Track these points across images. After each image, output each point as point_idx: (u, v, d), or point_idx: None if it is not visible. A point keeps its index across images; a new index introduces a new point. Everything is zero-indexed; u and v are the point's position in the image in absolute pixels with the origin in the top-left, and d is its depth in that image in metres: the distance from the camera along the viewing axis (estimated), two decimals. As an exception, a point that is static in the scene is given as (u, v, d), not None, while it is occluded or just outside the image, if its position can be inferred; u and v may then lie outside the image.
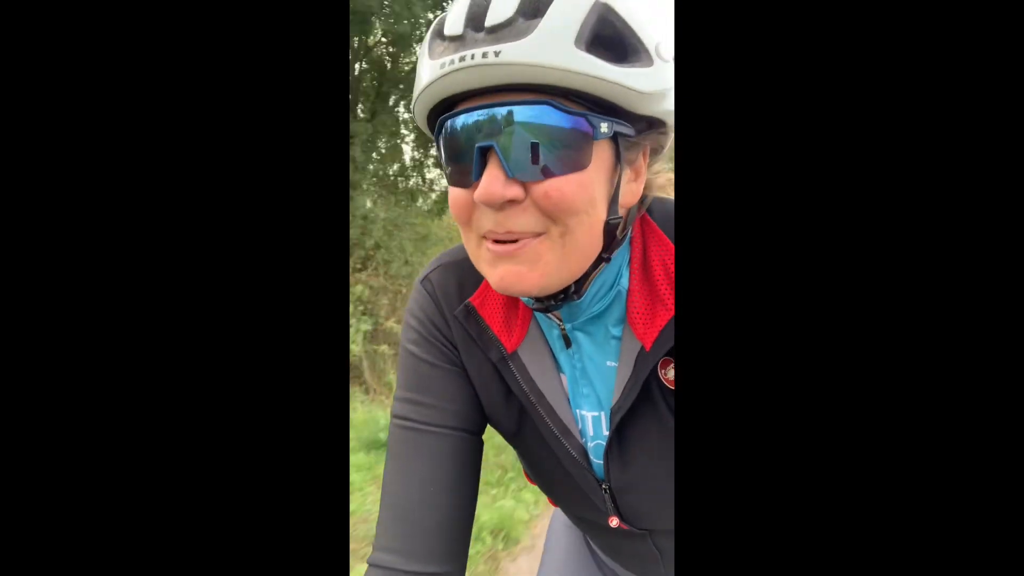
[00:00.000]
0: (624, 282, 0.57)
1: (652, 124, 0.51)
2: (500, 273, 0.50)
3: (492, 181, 0.46)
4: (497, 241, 0.49)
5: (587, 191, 0.48)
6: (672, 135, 0.54)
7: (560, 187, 0.47)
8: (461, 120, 0.47)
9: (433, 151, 6.42)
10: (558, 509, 0.98)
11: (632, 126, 0.49)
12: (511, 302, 0.62)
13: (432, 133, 0.54)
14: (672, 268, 0.54)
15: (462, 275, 0.65)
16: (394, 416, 0.63)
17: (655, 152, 0.55)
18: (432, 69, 0.46)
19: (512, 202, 0.47)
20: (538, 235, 0.48)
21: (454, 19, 0.47)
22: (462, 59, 0.44)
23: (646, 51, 0.48)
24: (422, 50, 0.50)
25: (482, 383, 0.64)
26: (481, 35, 0.45)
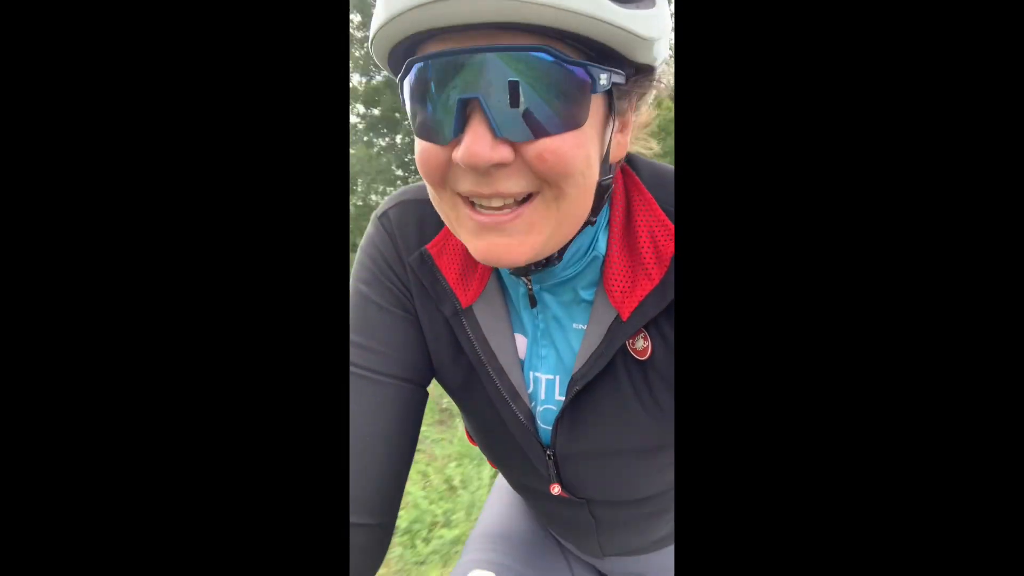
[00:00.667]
0: (601, 246, 0.53)
1: (640, 70, 0.45)
2: (486, 245, 0.44)
3: (477, 141, 0.39)
4: (480, 207, 0.43)
5: (584, 150, 0.42)
6: (659, 82, 0.49)
7: (556, 148, 0.40)
8: (437, 64, 0.39)
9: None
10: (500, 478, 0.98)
11: (623, 73, 0.43)
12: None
13: (392, 71, 0.45)
14: (661, 240, 0.50)
15: (423, 215, 0.58)
16: None
17: (640, 100, 0.50)
18: None
19: (500, 164, 0.40)
20: (528, 196, 0.43)
21: None
22: None
23: None
24: None
25: (433, 335, 0.60)
26: None
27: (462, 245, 0.56)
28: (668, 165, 0.56)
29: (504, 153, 0.40)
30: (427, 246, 0.56)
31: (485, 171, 0.41)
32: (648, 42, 0.41)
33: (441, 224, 0.57)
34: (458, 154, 0.40)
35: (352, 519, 0.53)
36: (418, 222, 0.59)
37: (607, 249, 0.53)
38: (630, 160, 0.55)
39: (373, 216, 0.61)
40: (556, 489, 0.63)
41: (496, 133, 0.39)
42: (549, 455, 0.60)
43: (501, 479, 0.97)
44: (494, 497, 0.94)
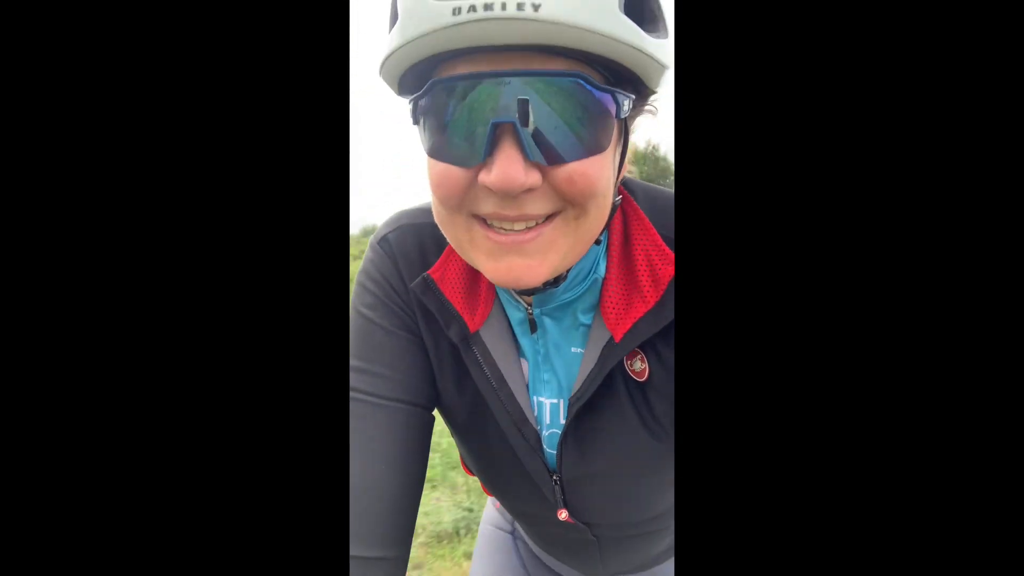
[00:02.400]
0: (601, 269, 0.53)
1: (640, 96, 0.46)
2: (505, 266, 0.43)
3: (511, 165, 0.39)
4: (498, 227, 0.43)
5: (607, 172, 0.43)
6: (652, 107, 0.50)
7: (585, 171, 0.41)
8: (468, 86, 0.39)
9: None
10: (488, 509, 0.97)
11: (634, 99, 0.44)
12: (473, 275, 0.56)
13: (400, 90, 0.45)
14: (658, 264, 0.51)
15: (423, 239, 0.58)
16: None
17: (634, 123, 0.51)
18: (436, 14, 0.36)
19: (529, 189, 0.40)
20: (549, 217, 0.43)
21: None
22: (487, 7, 0.35)
23: (663, 20, 0.43)
24: None
25: (437, 361, 0.59)
26: None
27: (464, 269, 0.56)
28: (661, 187, 0.57)
29: (535, 178, 0.40)
30: (429, 271, 0.56)
31: (513, 196, 0.40)
32: (663, 69, 0.43)
33: (441, 248, 0.57)
34: (490, 178, 0.40)
35: (365, 553, 0.52)
36: (418, 246, 0.59)
37: (606, 272, 0.53)
38: (625, 183, 0.56)
39: (371, 241, 0.61)
40: (563, 515, 0.62)
41: (528, 157, 0.39)
42: (556, 480, 0.60)
43: (483, 535, 0.95)
44: (478, 561, 0.93)
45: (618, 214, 0.54)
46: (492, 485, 0.69)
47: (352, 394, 0.55)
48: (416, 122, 0.43)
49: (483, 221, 0.43)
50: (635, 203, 0.54)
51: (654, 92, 0.46)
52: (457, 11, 0.36)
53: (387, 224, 0.61)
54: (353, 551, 0.51)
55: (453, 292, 0.55)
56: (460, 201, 0.43)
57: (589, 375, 0.53)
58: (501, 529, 0.93)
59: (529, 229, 0.43)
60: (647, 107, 0.48)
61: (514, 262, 0.43)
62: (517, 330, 0.58)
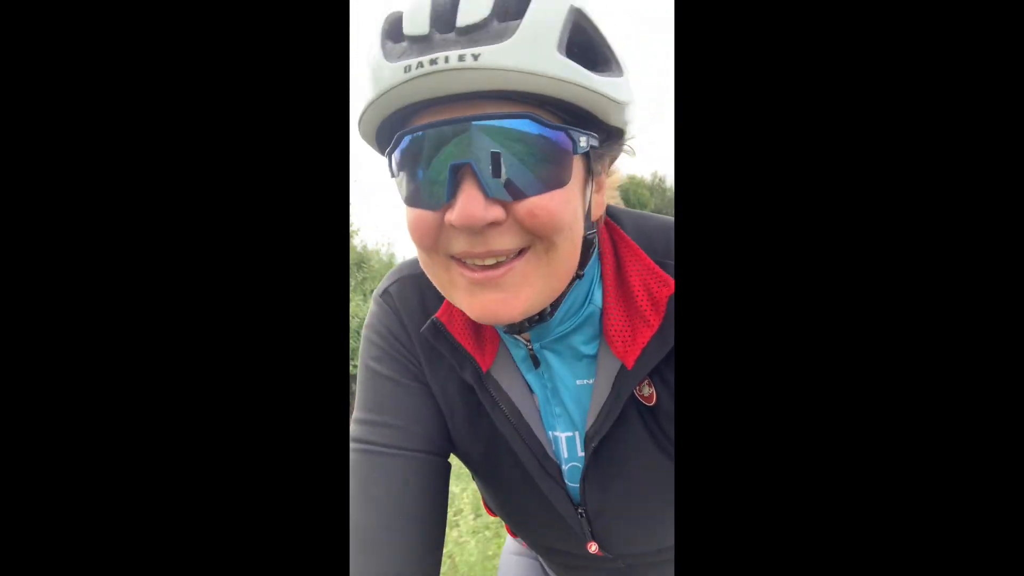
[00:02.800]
0: (597, 299, 0.54)
1: (611, 135, 0.49)
2: (481, 303, 0.46)
3: (471, 202, 0.42)
4: (473, 264, 0.45)
5: (570, 207, 0.45)
6: (627, 145, 0.52)
7: (545, 205, 0.43)
8: (427, 135, 0.42)
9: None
10: (509, 543, 0.95)
11: (598, 137, 0.47)
12: None
13: (379, 147, 0.49)
14: (654, 287, 0.52)
15: (423, 289, 0.60)
16: (354, 440, 0.57)
17: (611, 162, 0.53)
18: (392, 73, 0.41)
19: (492, 223, 0.43)
20: (521, 252, 0.45)
21: (415, 18, 0.41)
22: (432, 62, 0.39)
23: (616, 60, 0.46)
24: (370, 53, 0.44)
25: (448, 404, 0.59)
26: (451, 36, 0.40)
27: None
28: (648, 213, 0.59)
29: (496, 212, 0.42)
30: (436, 315, 0.57)
31: (479, 231, 0.43)
32: (620, 105, 0.45)
33: (441, 295, 0.58)
34: (452, 216, 0.42)
35: None
36: (419, 296, 0.60)
37: (604, 302, 0.54)
38: (611, 214, 0.58)
39: (374, 295, 0.63)
40: (593, 547, 0.61)
41: (487, 194, 0.42)
42: (581, 512, 0.59)
43: (505, 564, 0.93)
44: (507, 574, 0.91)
45: (607, 244, 0.56)
46: (517, 525, 0.69)
47: (365, 447, 0.56)
48: (394, 175, 0.47)
49: (459, 261, 0.46)
50: (622, 231, 0.56)
51: (622, 129, 0.48)
52: (408, 68, 0.40)
53: (388, 277, 0.64)
54: None
55: (462, 334, 0.56)
56: (434, 243, 0.46)
57: (604, 406, 0.53)
58: (525, 556, 0.91)
59: (500, 264, 0.45)
60: (623, 146, 0.51)
61: (488, 297, 0.45)
62: (521, 367, 0.58)
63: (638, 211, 0.59)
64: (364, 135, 0.48)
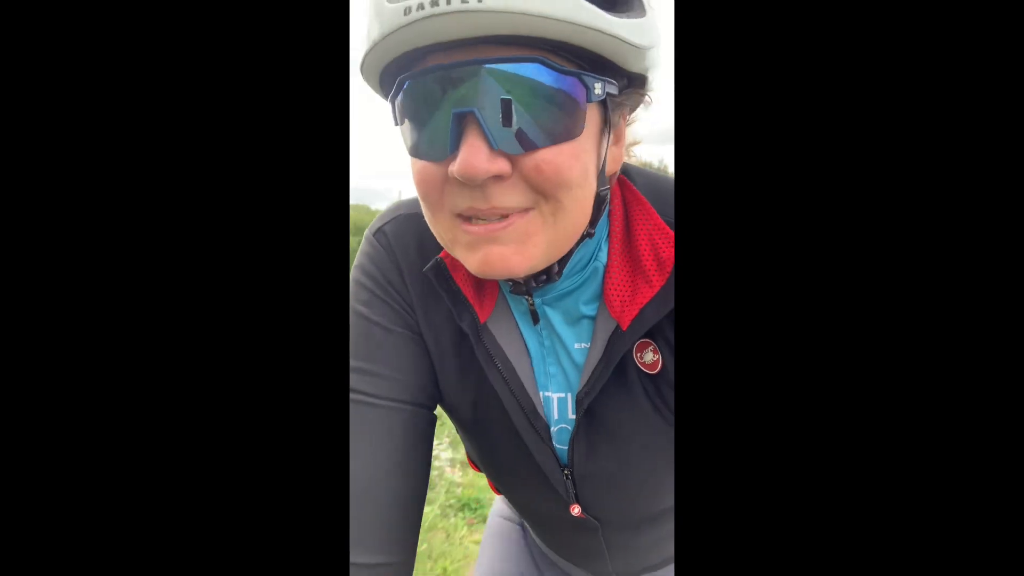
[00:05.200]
0: (603, 256, 0.52)
1: (632, 82, 0.45)
2: (481, 256, 0.43)
3: (474, 154, 0.39)
4: (477, 220, 0.43)
5: (580, 162, 0.42)
6: (650, 93, 0.49)
7: (553, 159, 0.41)
8: (431, 80, 0.39)
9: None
10: (497, 503, 0.95)
11: (617, 84, 0.43)
12: None
13: (383, 92, 0.46)
14: (662, 247, 0.49)
15: (421, 230, 0.57)
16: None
17: (632, 112, 0.50)
18: (392, 16, 0.38)
19: (497, 177, 0.40)
20: (526, 211, 0.43)
21: None
22: (433, 3, 0.36)
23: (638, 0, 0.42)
24: None
25: (440, 353, 0.57)
26: None
27: None
28: (663, 174, 0.56)
29: (501, 165, 0.40)
30: (441, 255, 0.54)
31: (482, 184, 0.40)
32: (640, 51, 0.42)
33: None
34: (454, 167, 0.40)
35: (367, 559, 0.50)
36: (417, 237, 0.57)
37: (608, 259, 0.52)
38: (626, 171, 0.55)
39: (367, 233, 0.60)
40: (576, 510, 0.60)
41: (493, 145, 0.39)
42: (567, 474, 0.58)
43: (492, 526, 0.94)
44: (486, 551, 0.91)
45: (618, 201, 0.53)
46: (501, 482, 0.68)
47: (352, 395, 0.54)
48: (398, 123, 0.44)
49: (464, 219, 0.43)
50: (635, 189, 0.53)
51: (644, 77, 0.45)
52: (408, 11, 0.37)
53: (384, 214, 0.60)
54: (354, 558, 0.50)
55: (464, 281, 0.54)
56: (439, 198, 0.43)
57: (596, 368, 0.52)
58: (510, 520, 0.91)
59: (503, 219, 0.42)
60: (643, 95, 0.47)
61: (491, 250, 0.43)
62: (520, 321, 0.56)
63: (650, 170, 0.56)
64: (368, 79, 0.45)
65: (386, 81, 0.44)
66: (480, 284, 0.55)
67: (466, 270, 0.53)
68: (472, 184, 0.40)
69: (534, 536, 0.85)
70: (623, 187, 0.54)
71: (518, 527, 0.90)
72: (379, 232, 0.59)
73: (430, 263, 0.54)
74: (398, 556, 0.53)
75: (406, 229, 0.58)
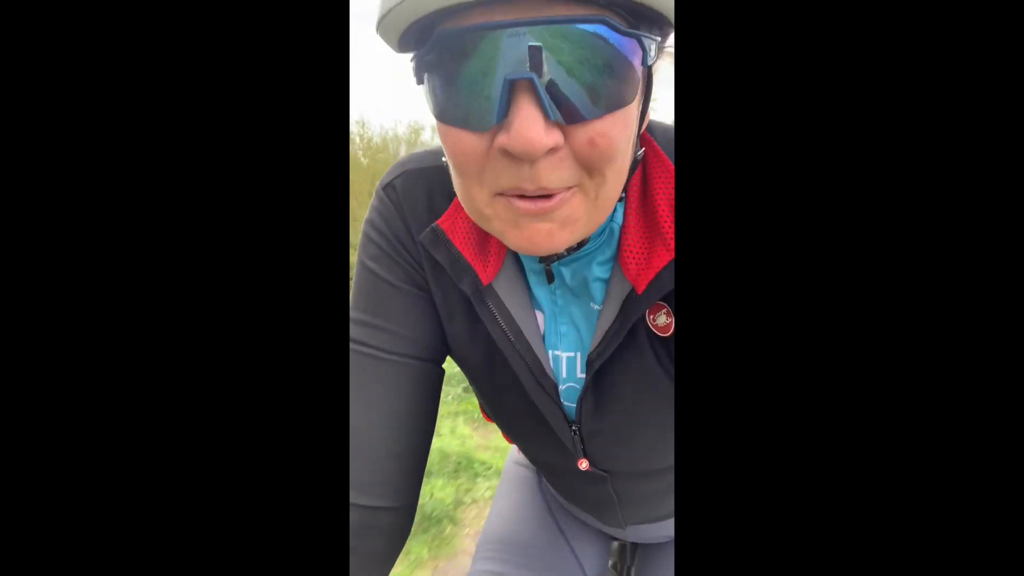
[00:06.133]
0: (618, 217, 0.50)
1: (665, 31, 0.41)
2: (528, 234, 0.40)
3: (531, 125, 0.34)
4: (524, 197, 0.39)
5: (629, 130, 0.39)
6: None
7: (607, 132, 0.37)
8: (478, 39, 0.34)
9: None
10: (512, 452, 0.98)
11: (659, 41, 0.39)
12: None
13: (404, 47, 0.40)
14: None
15: (431, 186, 0.54)
16: (351, 339, 0.55)
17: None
18: None
19: (550, 152, 0.36)
20: (569, 188, 0.39)
21: None
22: None
23: None
24: None
25: (448, 312, 0.57)
26: None
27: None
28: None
29: (557, 137, 0.36)
30: (438, 221, 0.52)
31: (533, 160, 0.37)
32: None
33: (451, 195, 0.53)
34: (506, 140, 0.35)
35: (369, 502, 0.52)
36: (426, 193, 0.55)
37: (624, 220, 0.50)
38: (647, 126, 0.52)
39: (377, 187, 0.58)
40: (584, 464, 0.62)
41: (548, 116, 0.35)
42: (575, 430, 0.59)
43: (507, 472, 0.96)
44: (502, 496, 0.94)
45: None
46: (512, 433, 0.69)
47: (355, 347, 0.54)
48: (421, 81, 0.39)
49: (506, 195, 0.40)
50: (654, 143, 0.50)
51: (671, 29, 0.41)
52: None
53: (394, 168, 0.57)
54: (355, 499, 0.51)
55: (465, 242, 0.52)
56: (479, 171, 0.39)
57: (609, 330, 0.51)
58: (526, 467, 0.94)
59: (553, 196, 0.39)
60: (666, 48, 0.44)
61: (538, 227, 0.40)
62: (532, 280, 0.55)
63: (668, 123, 0.53)
64: (384, 33, 0.39)
65: (410, 38, 0.39)
66: (484, 246, 0.53)
67: (467, 231, 0.52)
68: (530, 159, 0.36)
69: (547, 484, 0.87)
70: (644, 143, 0.50)
71: (533, 474, 0.93)
72: (388, 187, 0.56)
73: (424, 232, 0.53)
74: (402, 501, 0.55)
75: (415, 184, 0.55)
